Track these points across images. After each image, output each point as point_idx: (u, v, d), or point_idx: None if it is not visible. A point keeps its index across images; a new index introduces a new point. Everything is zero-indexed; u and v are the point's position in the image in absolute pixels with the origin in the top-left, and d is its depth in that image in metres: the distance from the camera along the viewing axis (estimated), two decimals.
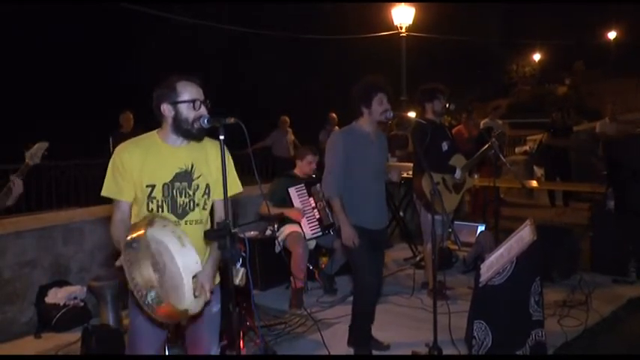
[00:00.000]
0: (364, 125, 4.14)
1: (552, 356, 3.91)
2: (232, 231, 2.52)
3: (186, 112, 2.67)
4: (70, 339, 4.58)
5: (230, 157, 2.83)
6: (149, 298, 2.38)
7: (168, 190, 2.70)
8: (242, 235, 5.63)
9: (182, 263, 2.36)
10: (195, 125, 2.67)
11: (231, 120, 2.58)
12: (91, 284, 4.97)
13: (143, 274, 2.38)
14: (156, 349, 2.83)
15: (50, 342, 4.66)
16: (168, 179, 2.70)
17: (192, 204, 2.75)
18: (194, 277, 2.43)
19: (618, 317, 4.96)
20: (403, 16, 13.74)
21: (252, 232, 5.96)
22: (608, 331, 4.68)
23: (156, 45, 22.45)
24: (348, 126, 4.25)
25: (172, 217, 2.68)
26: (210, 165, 2.80)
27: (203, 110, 2.70)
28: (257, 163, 2.90)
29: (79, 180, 10.12)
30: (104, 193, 2.72)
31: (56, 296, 4.92)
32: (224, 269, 2.84)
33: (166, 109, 2.69)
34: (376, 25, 17.31)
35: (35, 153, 3.64)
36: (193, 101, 2.67)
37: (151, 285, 2.37)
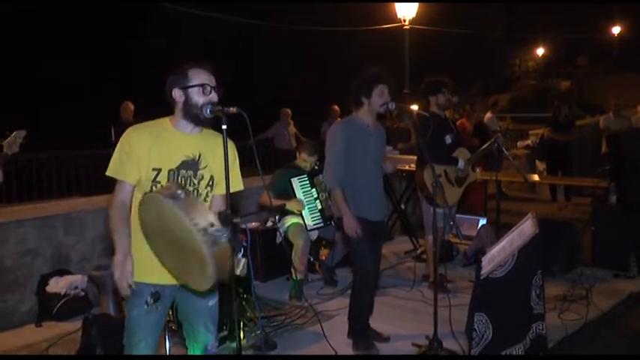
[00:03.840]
0: (364, 117, 4.13)
1: (544, 357, 3.90)
2: (234, 221, 2.52)
3: (196, 96, 2.69)
4: (71, 328, 4.58)
5: (236, 153, 2.86)
6: (217, 233, 2.36)
7: (173, 177, 2.70)
8: (244, 226, 5.65)
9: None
10: (204, 110, 2.68)
11: (233, 110, 2.58)
12: (92, 274, 4.98)
13: (206, 217, 2.36)
14: (154, 339, 2.82)
15: (51, 331, 4.67)
16: (174, 165, 2.70)
17: (195, 193, 2.75)
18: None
19: (618, 312, 4.96)
20: (406, 9, 13.70)
21: (253, 223, 5.96)
22: (609, 325, 4.68)
23: (156, 36, 22.41)
24: (348, 117, 4.25)
25: (186, 187, 2.69)
26: (216, 158, 2.80)
27: (213, 96, 2.71)
28: (259, 154, 2.89)
29: (79, 170, 10.13)
30: (109, 172, 2.72)
31: (57, 285, 4.93)
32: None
33: (177, 94, 2.72)
34: (379, 18, 17.25)
35: (13, 142, 3.59)
36: (202, 85, 2.69)
37: (212, 222, 2.36)
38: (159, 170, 2.68)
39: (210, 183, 2.81)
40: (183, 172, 2.72)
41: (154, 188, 2.67)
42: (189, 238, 2.34)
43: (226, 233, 2.39)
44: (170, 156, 2.70)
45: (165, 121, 2.79)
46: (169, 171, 2.69)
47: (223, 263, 2.42)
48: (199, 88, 2.69)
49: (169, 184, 2.61)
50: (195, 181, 2.75)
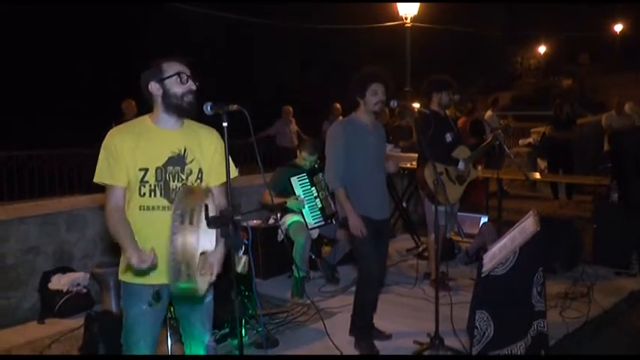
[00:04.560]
0: (362, 116, 4.13)
1: (545, 357, 3.90)
2: (235, 218, 2.52)
3: (175, 87, 2.68)
4: (73, 325, 4.60)
5: (223, 143, 2.79)
6: (182, 267, 2.34)
7: (161, 174, 2.68)
8: (245, 224, 5.66)
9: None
10: (185, 99, 2.68)
11: (234, 107, 2.58)
12: (94, 271, 4.99)
13: (186, 243, 2.34)
14: (153, 338, 2.84)
15: (53, 328, 4.69)
16: (161, 163, 2.68)
17: None
18: (202, 253, 2.44)
19: (620, 310, 4.96)
20: (408, 7, 13.70)
21: (255, 221, 5.96)
22: (610, 323, 4.69)
23: (157, 34, 22.38)
24: (347, 117, 4.25)
25: (165, 202, 2.67)
26: (204, 151, 2.79)
27: (191, 84, 2.70)
28: (260, 152, 2.89)
29: (81, 168, 10.14)
30: (96, 179, 2.69)
31: (59, 282, 4.95)
32: (226, 257, 2.84)
33: (154, 87, 2.70)
34: (381, 16, 17.24)
35: None
36: (178, 74, 2.67)
37: (187, 257, 2.34)
38: (146, 170, 2.66)
39: (200, 176, 2.78)
40: (170, 168, 2.70)
41: (142, 189, 2.66)
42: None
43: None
44: (156, 154, 2.68)
45: (145, 119, 2.76)
46: (157, 169, 2.67)
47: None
48: (176, 77, 2.67)
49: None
50: (184, 176, 2.73)
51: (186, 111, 2.72)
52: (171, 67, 2.69)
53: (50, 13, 19.58)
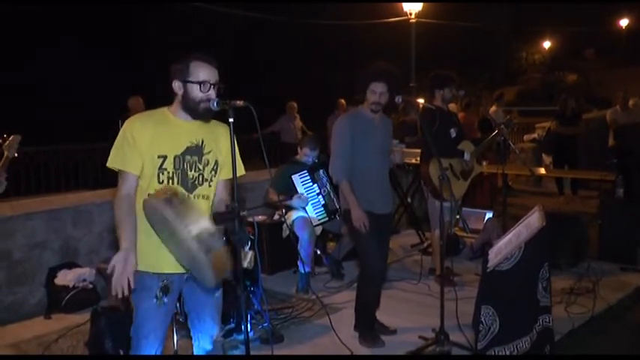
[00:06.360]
0: (368, 110, 4.14)
1: (546, 356, 3.90)
2: (241, 214, 2.53)
3: (194, 92, 2.69)
4: (79, 320, 4.62)
5: (234, 139, 2.83)
6: (210, 240, 2.35)
7: (179, 163, 2.71)
8: (251, 219, 5.67)
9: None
10: (202, 105, 2.69)
11: (241, 103, 2.59)
12: (100, 266, 5.01)
13: (200, 223, 2.37)
14: (163, 331, 2.84)
15: (60, 323, 4.72)
16: (179, 151, 2.71)
17: (201, 178, 2.76)
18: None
19: (625, 305, 4.96)
20: (413, 3, 13.68)
21: (260, 217, 5.96)
22: (615, 318, 4.68)
23: (161, 30, 22.39)
24: (354, 110, 4.26)
25: (182, 190, 2.69)
26: (220, 144, 2.83)
27: (212, 93, 2.71)
28: (265, 148, 2.91)
29: (87, 163, 10.18)
30: (109, 164, 2.72)
31: (65, 278, 4.98)
32: (233, 252, 2.85)
33: (177, 85, 2.73)
34: (386, 12, 17.22)
35: (11, 145, 3.71)
36: (201, 83, 2.68)
37: (209, 231, 2.36)
38: (164, 157, 2.68)
39: (215, 168, 2.81)
40: (188, 157, 2.73)
41: (160, 176, 2.68)
42: (185, 245, 2.39)
43: (221, 239, 2.40)
44: (174, 142, 2.71)
45: (164, 111, 2.79)
46: (175, 157, 2.70)
47: (221, 267, 2.42)
48: (198, 85, 2.68)
49: (165, 187, 2.61)
50: (201, 167, 2.76)
51: (202, 116, 2.74)
52: (197, 70, 2.69)
53: (53, 11, 19.60)
